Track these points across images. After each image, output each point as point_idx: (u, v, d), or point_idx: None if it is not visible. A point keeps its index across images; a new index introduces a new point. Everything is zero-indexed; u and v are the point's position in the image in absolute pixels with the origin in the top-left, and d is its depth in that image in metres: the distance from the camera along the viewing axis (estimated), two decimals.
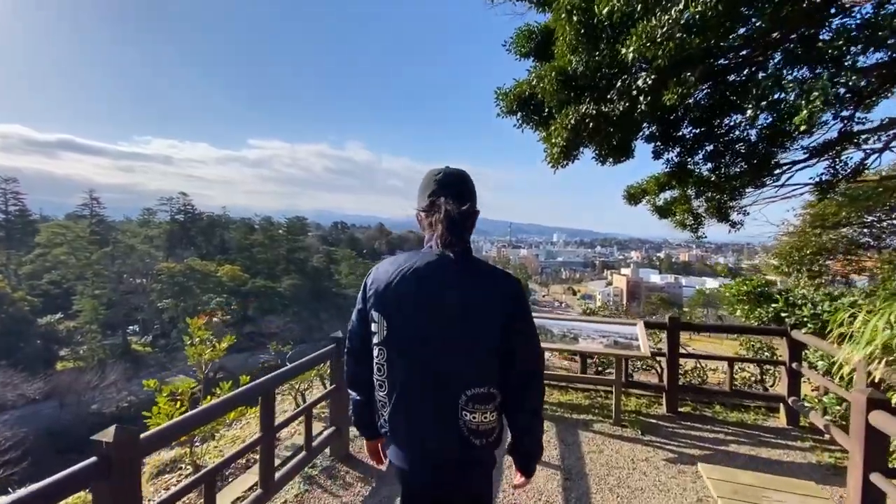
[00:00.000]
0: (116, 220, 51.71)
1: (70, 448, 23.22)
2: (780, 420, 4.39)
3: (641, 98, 4.33)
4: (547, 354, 5.47)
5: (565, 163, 5.55)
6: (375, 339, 1.33)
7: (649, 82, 4.15)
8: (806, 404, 4.13)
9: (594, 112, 4.76)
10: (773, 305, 5.26)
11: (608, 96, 4.71)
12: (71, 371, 27.91)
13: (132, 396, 29.56)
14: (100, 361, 30.46)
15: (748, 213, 6.32)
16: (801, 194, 6.12)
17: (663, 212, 6.95)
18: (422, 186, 1.38)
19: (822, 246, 7.31)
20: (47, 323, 31.94)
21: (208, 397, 3.40)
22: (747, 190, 6.04)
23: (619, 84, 4.51)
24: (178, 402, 3.13)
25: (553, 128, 5.18)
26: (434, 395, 1.26)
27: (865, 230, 7.06)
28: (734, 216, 6.32)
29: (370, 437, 1.54)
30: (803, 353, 4.41)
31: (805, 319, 4.63)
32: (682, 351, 4.96)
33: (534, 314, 2.80)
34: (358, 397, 1.48)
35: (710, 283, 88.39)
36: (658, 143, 6.06)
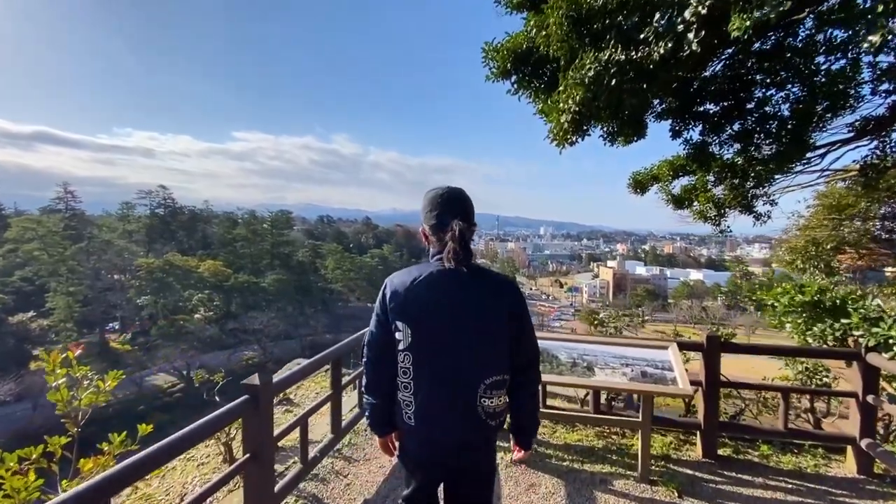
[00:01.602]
0: (95, 214, 50.00)
1: (48, 452, 22.43)
2: (848, 466, 3.46)
3: (691, 35, 3.21)
4: (551, 389, 4.44)
5: (574, 139, 4.58)
6: (401, 346, 1.50)
7: (702, 11, 3.03)
8: (888, 448, 3.31)
9: (622, 59, 3.58)
10: (845, 321, 4.20)
11: (641, 36, 3.53)
12: (44, 371, 26.90)
13: (110, 397, 28.67)
14: None
15: (776, 203, 5.67)
16: (836, 181, 5.63)
17: (679, 201, 6.18)
18: (426, 204, 1.57)
19: (842, 240, 6.78)
20: (19, 321, 30.77)
21: (82, 461, 2.41)
22: (776, 176, 5.34)
23: (657, 18, 3.37)
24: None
25: (562, 88, 4.08)
26: (457, 388, 1.47)
27: (878, 222, 6.67)
28: (759, 206, 5.62)
29: (383, 434, 1.69)
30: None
31: (891, 341, 3.68)
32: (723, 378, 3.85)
33: (539, 337, 2.61)
34: (374, 401, 1.62)
35: (694, 275, 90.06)
36: (677, 120, 5.21)
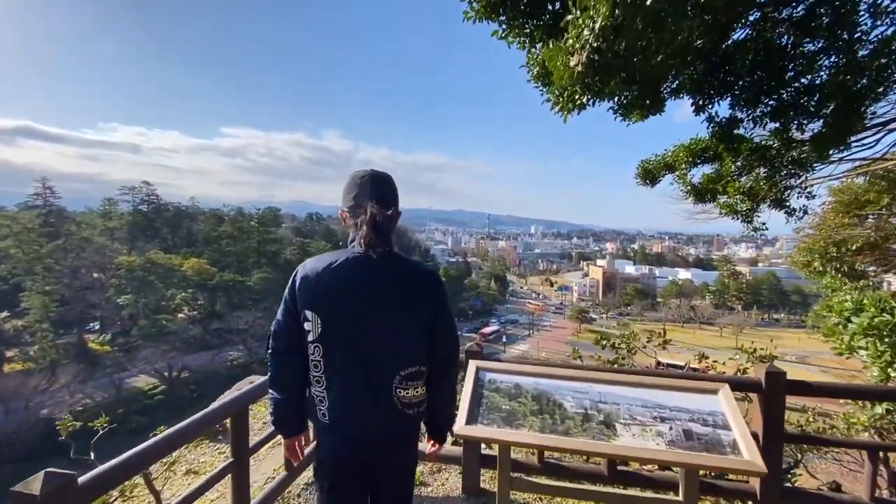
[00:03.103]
0: (78, 210, 48.48)
1: (19, 458, 21.57)
2: None
3: None
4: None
5: (584, 99, 3.54)
6: (310, 337, 1.41)
7: None
8: None
9: None
10: None
11: None
12: (18, 373, 25.92)
13: (87, 399, 27.85)
14: (52, 362, 28.47)
15: (813, 196, 4.92)
16: (855, 175, 4.94)
17: (701, 193, 5.26)
18: (347, 187, 1.50)
19: (867, 240, 6.04)
20: None
21: None
22: (816, 165, 4.57)
23: None
24: None
25: (575, 22, 3.00)
26: (371, 381, 1.41)
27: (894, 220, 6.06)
28: (794, 200, 4.82)
29: (290, 435, 1.58)
30: None
31: None
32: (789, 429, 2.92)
33: (534, 373, 2.46)
34: (280, 396, 1.51)
35: (683, 274, 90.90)
36: (701, 93, 4.38)
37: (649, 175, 5.63)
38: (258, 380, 2.69)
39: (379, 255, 1.40)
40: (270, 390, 1.54)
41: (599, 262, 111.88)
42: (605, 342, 4.06)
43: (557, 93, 3.62)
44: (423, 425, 1.63)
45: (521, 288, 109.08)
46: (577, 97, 3.53)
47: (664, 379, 2.42)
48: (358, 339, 1.40)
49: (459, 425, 2.10)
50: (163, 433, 1.84)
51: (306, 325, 1.42)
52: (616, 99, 4.09)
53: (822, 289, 6.38)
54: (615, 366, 3.59)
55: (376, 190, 1.45)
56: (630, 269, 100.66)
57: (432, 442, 1.64)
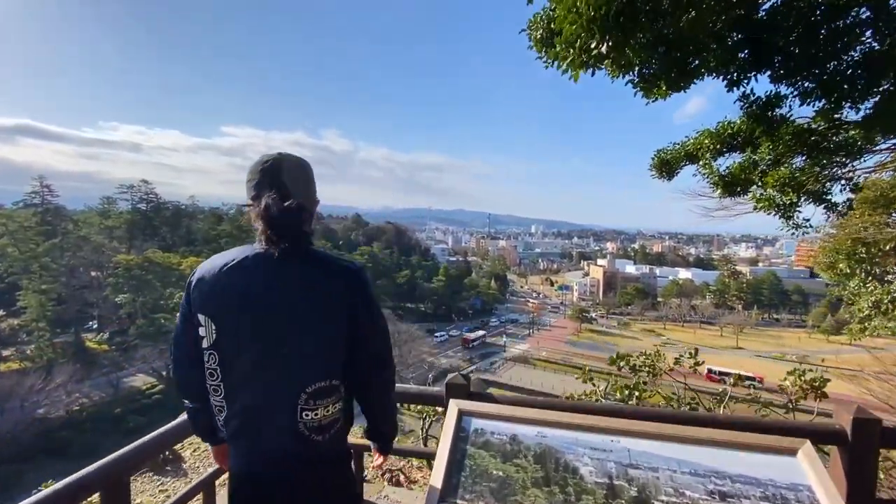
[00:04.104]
0: (77, 209, 48.29)
1: (14, 458, 21.42)
2: None
3: None
4: None
5: (599, 51, 2.94)
6: (205, 344, 1.27)
7: None
8: None
9: None
10: None
11: None
12: (13, 373, 25.69)
13: (84, 399, 27.69)
14: (49, 361, 28.29)
15: (860, 189, 4.38)
16: (882, 171, 4.33)
17: (731, 185, 4.58)
18: (247, 175, 1.30)
19: None
20: None
21: None
22: (864, 155, 4.03)
23: None
24: None
25: None
26: (271, 395, 1.23)
27: None
28: (836, 194, 4.28)
29: (215, 443, 1.47)
30: None
31: None
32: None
33: (536, 420, 1.66)
34: (191, 405, 1.40)
35: (683, 274, 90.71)
36: (734, 69, 3.79)
37: (666, 166, 5.01)
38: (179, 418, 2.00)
39: (283, 252, 1.22)
40: (184, 399, 1.42)
41: (600, 261, 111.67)
42: (621, 362, 3.34)
43: (566, 45, 3.02)
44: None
45: (522, 287, 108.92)
46: (592, 45, 2.87)
47: (720, 431, 1.62)
48: (255, 349, 1.23)
49: (432, 502, 1.49)
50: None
51: (200, 331, 1.27)
52: (637, 70, 3.61)
53: (842, 292, 6.02)
54: (639, 395, 2.91)
55: (276, 178, 1.26)
56: (630, 268, 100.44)
57: (377, 453, 1.53)
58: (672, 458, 1.55)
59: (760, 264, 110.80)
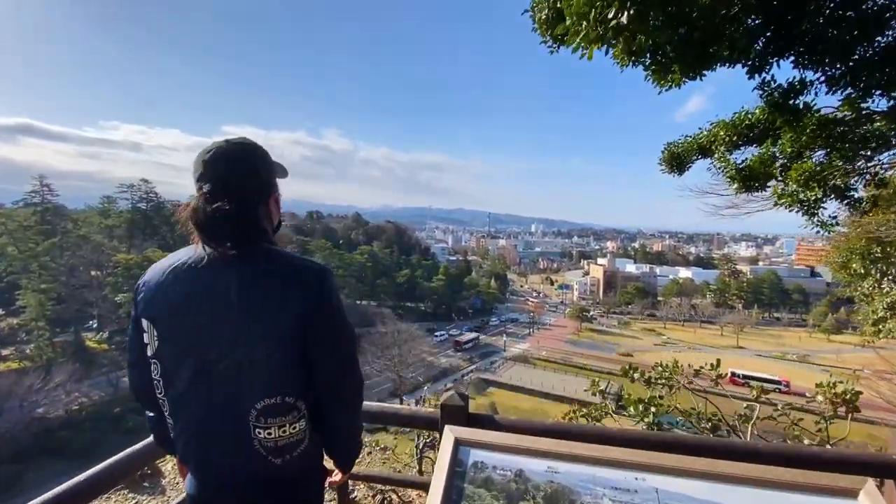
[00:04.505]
0: (78, 208, 48.22)
1: (13, 457, 21.38)
2: None
3: None
4: None
5: (623, 17, 2.68)
6: (149, 352, 1.16)
7: None
8: None
9: None
10: None
11: None
12: (12, 372, 25.65)
13: (84, 398, 27.64)
14: (48, 360, 28.24)
15: (885, 184, 4.14)
16: None
17: (750, 178, 4.28)
18: (193, 166, 1.16)
19: None
20: None
21: None
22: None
23: None
24: None
25: None
26: (220, 410, 1.11)
27: None
28: (860, 189, 4.09)
29: (172, 454, 1.33)
30: None
31: None
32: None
33: (554, 450, 1.38)
34: (150, 413, 1.29)
35: (683, 273, 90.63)
36: (761, 52, 3.55)
37: (677, 160, 4.74)
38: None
39: (225, 254, 1.09)
40: (145, 410, 1.33)
41: (600, 260, 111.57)
42: (634, 374, 3.04)
43: (577, 18, 2.77)
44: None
45: (522, 286, 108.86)
46: (610, 15, 2.62)
47: (764, 468, 1.35)
48: (194, 360, 1.11)
49: None
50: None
51: (145, 338, 1.17)
52: (652, 53, 3.39)
53: (854, 292, 5.82)
54: (655, 411, 2.59)
55: (216, 170, 1.12)
56: (631, 267, 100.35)
57: (336, 470, 1.40)
58: (708, 500, 1.27)
59: (761, 263, 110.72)
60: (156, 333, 1.14)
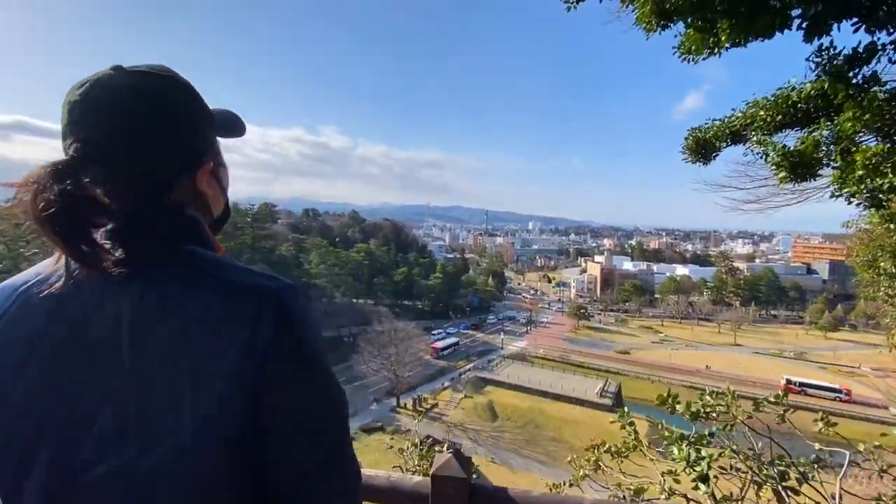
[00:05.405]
0: None
1: None
2: None
3: None
4: None
5: None
6: None
7: None
8: None
9: None
10: None
11: None
12: None
13: None
14: None
15: None
16: None
17: (802, 166, 3.61)
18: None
19: None
20: None
21: None
22: None
23: None
24: None
25: None
26: None
27: None
28: None
29: None
30: None
31: None
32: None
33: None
34: None
35: (680, 270, 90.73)
36: (823, 9, 2.94)
37: (704, 148, 4.16)
38: None
39: (90, 266, 0.57)
40: None
41: (597, 258, 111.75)
42: (676, 403, 2.12)
43: None
44: None
45: (519, 284, 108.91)
46: None
47: None
48: (54, 466, 0.56)
49: None
50: None
51: None
52: (697, 10, 2.90)
53: (876, 293, 5.58)
54: (711, 456, 1.84)
55: (86, 120, 0.61)
56: (628, 265, 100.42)
57: None
58: None
59: (757, 260, 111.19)
60: None
